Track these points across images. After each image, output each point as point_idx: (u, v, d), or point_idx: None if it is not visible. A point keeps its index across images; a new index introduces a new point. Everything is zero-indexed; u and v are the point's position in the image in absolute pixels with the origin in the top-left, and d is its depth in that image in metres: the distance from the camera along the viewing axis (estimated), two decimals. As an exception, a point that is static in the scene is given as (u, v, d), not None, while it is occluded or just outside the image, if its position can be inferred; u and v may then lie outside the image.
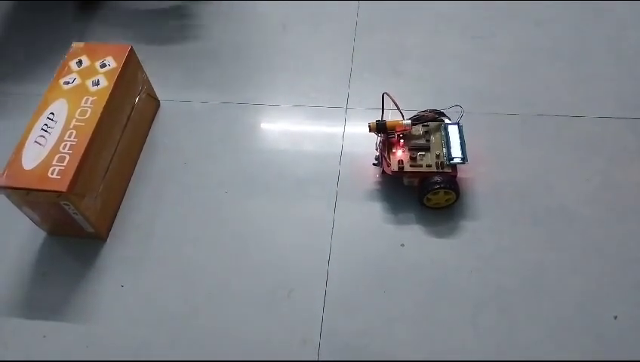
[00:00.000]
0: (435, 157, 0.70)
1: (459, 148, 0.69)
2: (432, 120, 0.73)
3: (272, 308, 0.66)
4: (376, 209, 0.73)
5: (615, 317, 0.63)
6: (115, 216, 0.74)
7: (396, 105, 0.70)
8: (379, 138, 0.73)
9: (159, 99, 0.86)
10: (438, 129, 0.72)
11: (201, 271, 0.69)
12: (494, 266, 0.67)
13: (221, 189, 0.76)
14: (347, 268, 0.68)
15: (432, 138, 0.71)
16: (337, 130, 0.81)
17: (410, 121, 0.71)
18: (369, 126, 0.70)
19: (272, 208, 0.74)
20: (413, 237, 0.70)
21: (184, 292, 0.68)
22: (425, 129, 0.72)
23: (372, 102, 0.80)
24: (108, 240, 0.73)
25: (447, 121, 0.73)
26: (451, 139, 0.70)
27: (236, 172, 0.77)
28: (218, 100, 0.86)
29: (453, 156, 0.69)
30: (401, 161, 0.70)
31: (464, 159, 0.68)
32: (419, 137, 0.72)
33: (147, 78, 0.81)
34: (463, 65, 0.87)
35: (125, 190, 0.77)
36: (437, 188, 0.68)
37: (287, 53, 0.91)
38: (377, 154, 0.73)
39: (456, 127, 0.71)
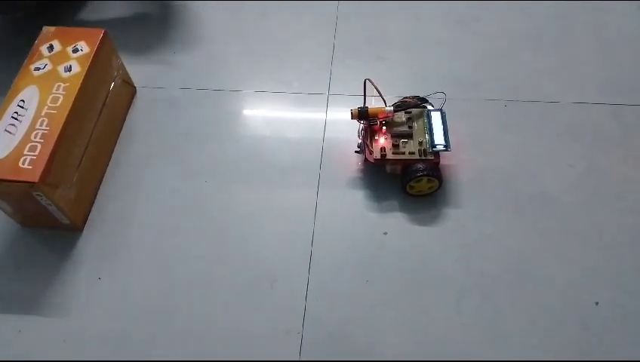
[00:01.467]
0: (417, 144, 0.69)
1: (442, 135, 0.69)
2: (414, 106, 0.72)
3: (254, 299, 0.65)
4: (359, 197, 0.72)
5: (596, 303, 0.63)
6: (91, 206, 0.72)
7: (378, 91, 0.69)
8: (361, 125, 0.72)
9: (135, 85, 0.83)
10: (420, 116, 0.71)
11: (181, 262, 0.68)
12: (477, 253, 0.67)
13: (201, 178, 0.74)
14: (330, 257, 0.67)
15: (415, 125, 0.71)
16: (319, 116, 0.79)
17: (392, 108, 0.70)
18: (351, 113, 0.69)
19: (253, 197, 0.73)
20: (396, 225, 0.69)
21: (163, 283, 0.66)
22: (408, 116, 0.71)
23: (354, 89, 0.79)
24: (84, 230, 0.71)
25: (429, 107, 0.72)
26: (434, 126, 0.69)
27: (216, 160, 0.76)
28: (196, 87, 0.83)
29: (436, 143, 0.68)
30: (383, 149, 0.69)
31: (447, 146, 0.68)
32: (401, 124, 0.71)
33: (122, 63, 0.79)
34: (445, 51, 0.86)
35: (101, 179, 0.75)
36: (420, 176, 0.67)
37: (267, 39, 0.89)
38: (360, 141, 0.72)
39: (439, 113, 0.70)
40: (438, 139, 0.68)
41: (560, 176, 0.72)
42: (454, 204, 0.71)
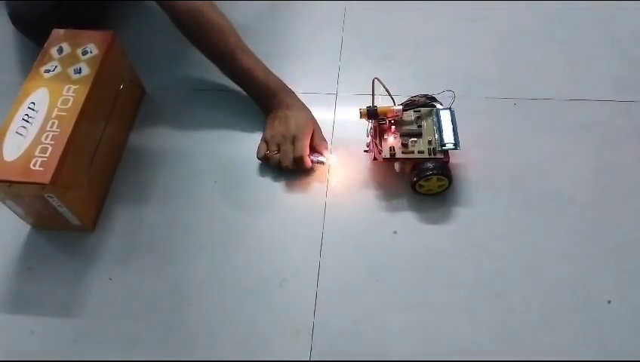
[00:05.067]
0: (427, 143, 0.69)
1: (451, 133, 0.68)
2: (423, 105, 0.71)
3: (265, 299, 0.65)
4: (368, 196, 0.72)
5: (609, 302, 0.63)
6: (102, 207, 0.73)
7: (387, 90, 0.69)
8: (370, 124, 0.71)
9: (144, 86, 0.83)
10: (429, 114, 0.71)
11: (191, 262, 0.68)
12: (488, 252, 0.67)
13: (210, 178, 0.74)
14: (339, 257, 0.67)
15: (424, 124, 0.70)
16: (328, 116, 0.79)
17: (401, 107, 0.69)
18: (360, 112, 0.69)
19: (262, 196, 0.73)
20: (405, 224, 0.69)
21: (174, 283, 0.67)
22: (417, 114, 0.71)
23: (362, 88, 0.78)
24: (95, 231, 0.71)
25: (438, 106, 0.72)
26: (443, 125, 0.69)
27: (225, 160, 0.76)
28: (205, 87, 0.84)
29: (445, 142, 0.68)
30: (392, 148, 0.68)
31: (456, 145, 0.67)
32: (410, 123, 0.70)
33: (131, 64, 0.79)
34: (454, 50, 0.85)
35: (111, 180, 0.75)
36: (429, 175, 0.67)
37: (275, 39, 0.89)
38: (368, 140, 0.72)
39: (448, 112, 0.70)
40: (448, 137, 0.68)
41: (571, 175, 0.72)
42: (464, 202, 0.70)
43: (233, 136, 0.78)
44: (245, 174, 0.75)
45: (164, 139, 0.79)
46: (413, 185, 0.69)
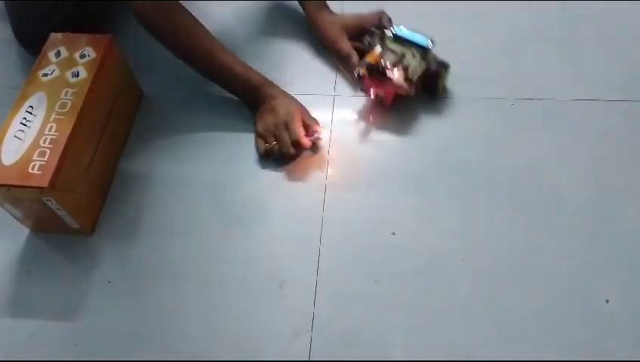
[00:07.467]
0: (411, 55, 0.74)
1: (420, 36, 0.75)
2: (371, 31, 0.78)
3: (264, 301, 0.65)
4: (367, 197, 0.72)
5: (607, 301, 0.63)
6: (101, 211, 0.73)
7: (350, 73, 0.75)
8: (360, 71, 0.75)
9: (143, 89, 0.84)
10: (396, 43, 0.76)
11: (190, 265, 0.68)
12: (485, 252, 0.67)
13: (209, 181, 0.74)
14: (338, 258, 0.67)
15: (397, 48, 0.75)
16: (326, 117, 0.79)
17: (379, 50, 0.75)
18: (358, 73, 0.74)
19: (261, 198, 0.73)
20: (404, 225, 0.69)
21: (173, 286, 0.67)
22: (386, 50, 0.76)
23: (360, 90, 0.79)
24: (94, 235, 0.71)
25: (388, 32, 0.77)
26: (410, 37, 0.75)
27: (224, 163, 0.76)
28: (203, 90, 0.84)
29: (423, 43, 0.74)
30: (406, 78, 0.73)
31: (430, 39, 0.74)
32: (393, 53, 0.75)
33: (129, 68, 0.79)
34: (451, 50, 0.85)
35: (110, 183, 0.75)
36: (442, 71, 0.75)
37: (272, 40, 0.89)
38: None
39: (400, 27, 0.76)
40: (421, 40, 0.75)
41: (568, 174, 0.72)
42: (462, 202, 0.70)
43: (232, 138, 0.78)
44: (243, 176, 0.75)
45: (162, 142, 0.79)
46: (433, 92, 0.77)
